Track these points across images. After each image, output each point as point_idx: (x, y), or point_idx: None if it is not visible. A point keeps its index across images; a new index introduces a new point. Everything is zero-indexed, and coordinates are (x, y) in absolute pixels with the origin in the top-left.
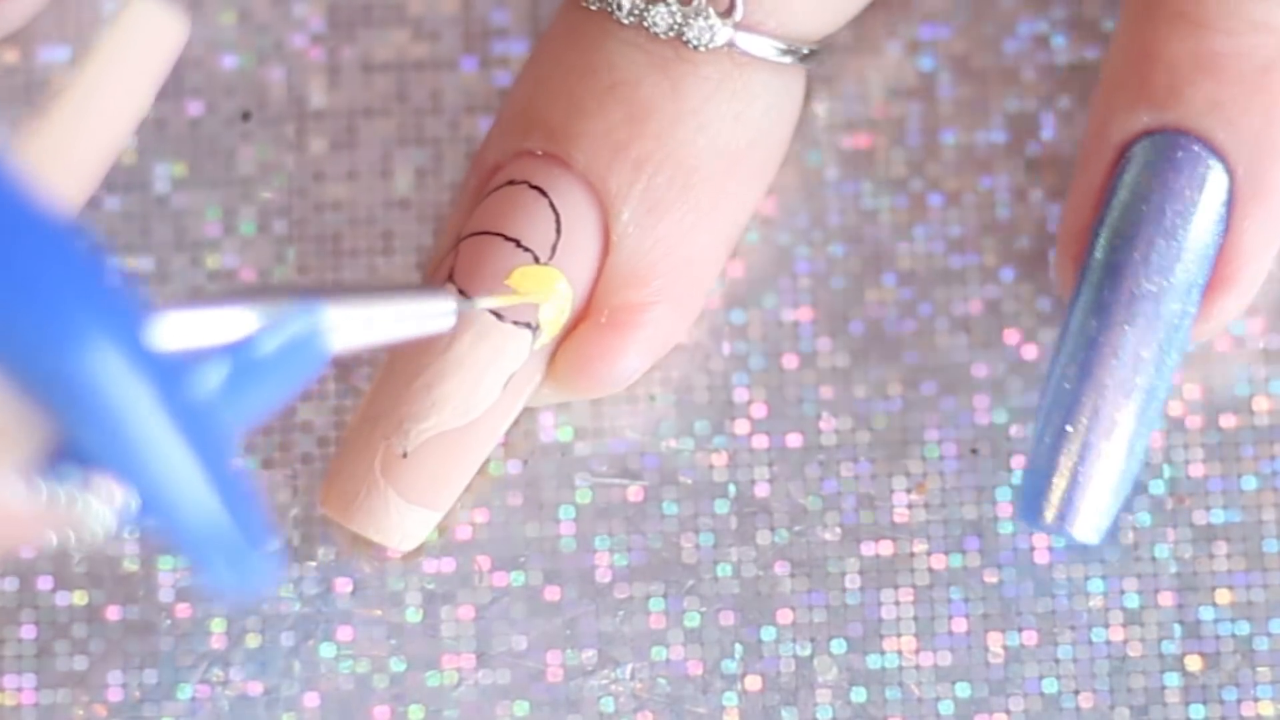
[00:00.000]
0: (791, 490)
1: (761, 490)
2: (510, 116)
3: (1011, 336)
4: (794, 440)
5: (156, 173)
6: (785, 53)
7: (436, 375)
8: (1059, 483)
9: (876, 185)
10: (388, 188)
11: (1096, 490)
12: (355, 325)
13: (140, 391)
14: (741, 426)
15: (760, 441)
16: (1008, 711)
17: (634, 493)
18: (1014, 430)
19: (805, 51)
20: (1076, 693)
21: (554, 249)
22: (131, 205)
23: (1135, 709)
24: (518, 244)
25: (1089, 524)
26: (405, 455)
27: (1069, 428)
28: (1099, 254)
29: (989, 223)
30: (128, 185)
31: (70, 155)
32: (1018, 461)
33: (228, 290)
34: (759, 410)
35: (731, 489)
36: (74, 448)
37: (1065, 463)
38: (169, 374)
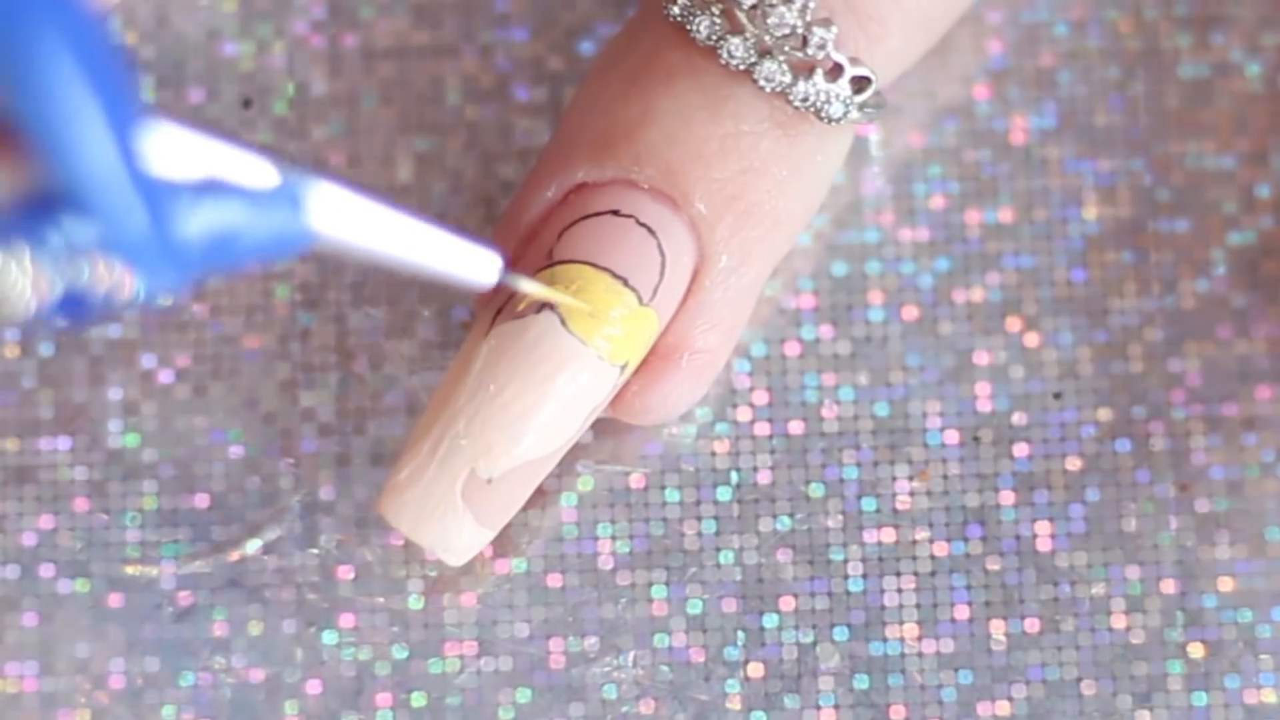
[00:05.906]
0: (793, 477)
1: (764, 477)
2: (610, 138)
3: (1014, 324)
4: (796, 427)
5: None
6: (873, 110)
7: (534, 404)
8: None
9: (877, 172)
10: (389, 175)
11: None
12: (349, 214)
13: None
14: (744, 414)
15: (762, 429)
16: (1010, 699)
17: (636, 480)
18: (1016, 418)
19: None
20: (1079, 680)
21: (655, 291)
22: None
23: (1138, 696)
24: (625, 282)
25: None
26: (490, 481)
27: None
28: None
29: (991, 209)
30: None
31: None
32: (1020, 449)
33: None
34: (761, 397)
35: (734, 476)
36: (40, 207)
37: None
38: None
